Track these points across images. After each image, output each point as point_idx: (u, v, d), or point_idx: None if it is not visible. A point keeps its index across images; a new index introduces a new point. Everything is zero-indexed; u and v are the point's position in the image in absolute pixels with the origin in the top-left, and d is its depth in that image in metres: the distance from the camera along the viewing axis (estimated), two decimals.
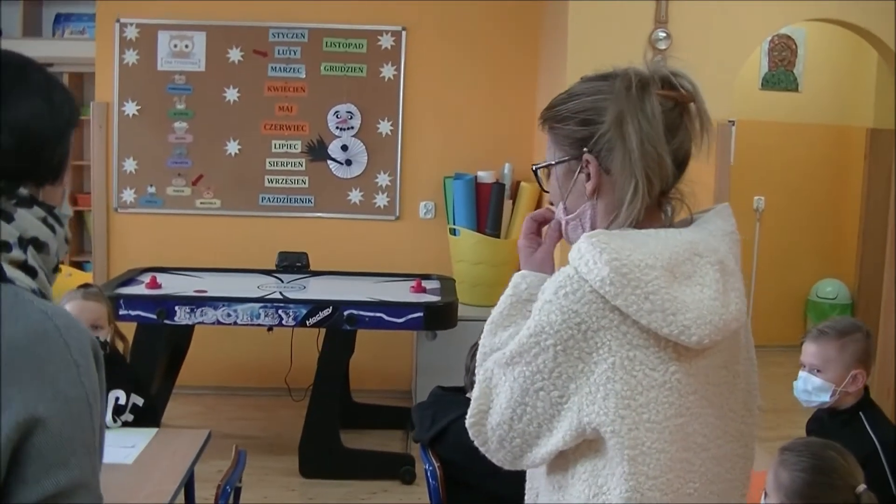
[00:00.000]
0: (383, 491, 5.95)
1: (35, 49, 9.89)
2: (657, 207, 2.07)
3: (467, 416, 2.06)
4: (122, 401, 4.18)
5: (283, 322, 5.91)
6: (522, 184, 7.26)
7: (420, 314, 5.91)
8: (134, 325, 5.97)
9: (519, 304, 2.12)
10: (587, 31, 6.29)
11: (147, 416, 4.22)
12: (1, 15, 10.09)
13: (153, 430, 4.11)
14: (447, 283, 6.68)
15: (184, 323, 5.91)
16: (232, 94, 7.69)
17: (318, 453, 6.09)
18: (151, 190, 7.75)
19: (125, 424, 4.16)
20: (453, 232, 7.33)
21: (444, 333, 6.49)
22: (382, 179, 7.73)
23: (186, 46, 7.66)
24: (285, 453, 6.28)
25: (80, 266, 9.31)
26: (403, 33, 7.64)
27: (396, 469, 6.09)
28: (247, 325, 5.93)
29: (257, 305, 5.89)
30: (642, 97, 1.99)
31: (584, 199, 2.07)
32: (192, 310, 5.86)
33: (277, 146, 7.69)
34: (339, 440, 6.12)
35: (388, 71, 7.66)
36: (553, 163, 2.12)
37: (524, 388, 1.95)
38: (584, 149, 2.03)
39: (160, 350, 6.23)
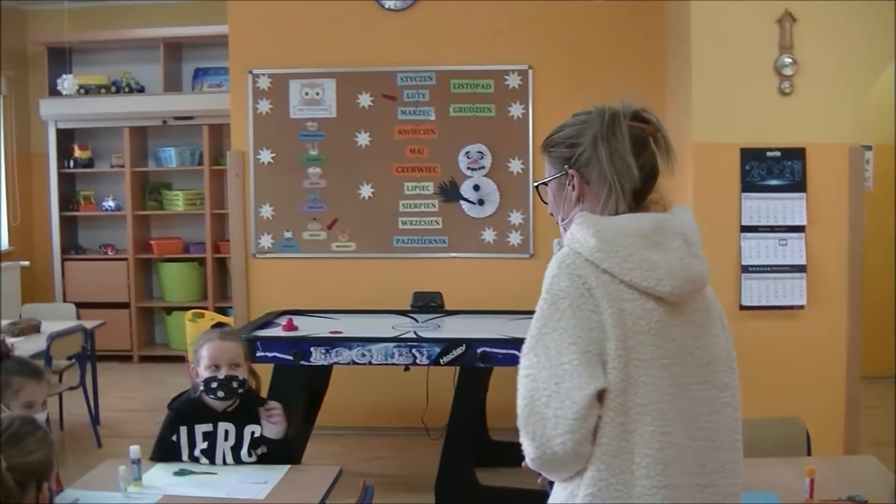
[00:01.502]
0: None
1: (176, 103, 10.27)
2: (637, 208, 2.58)
3: (518, 417, 2.43)
4: (258, 434, 4.29)
5: (417, 361, 5.97)
6: None
7: None
8: (271, 366, 6.10)
9: None
10: (712, 63, 6.26)
11: (281, 449, 4.31)
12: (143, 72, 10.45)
13: (285, 467, 4.20)
14: None
15: (319, 363, 6.01)
16: (363, 139, 7.83)
17: (455, 491, 6.12)
18: (288, 235, 7.93)
19: (261, 458, 4.27)
20: None
21: None
22: (515, 218, 7.78)
23: (317, 94, 7.83)
24: (422, 491, 6.33)
25: (223, 311, 9.57)
26: (530, 72, 7.71)
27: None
28: (381, 364, 6.00)
29: (391, 345, 5.96)
30: (613, 124, 2.56)
31: (571, 205, 2.62)
32: (327, 350, 5.96)
33: (410, 188, 7.80)
34: (475, 478, 6.15)
35: (516, 110, 7.72)
36: (547, 180, 2.70)
37: (559, 350, 2.37)
38: (566, 165, 2.62)
39: (297, 391, 6.35)
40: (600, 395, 2.34)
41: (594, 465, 2.36)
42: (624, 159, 2.52)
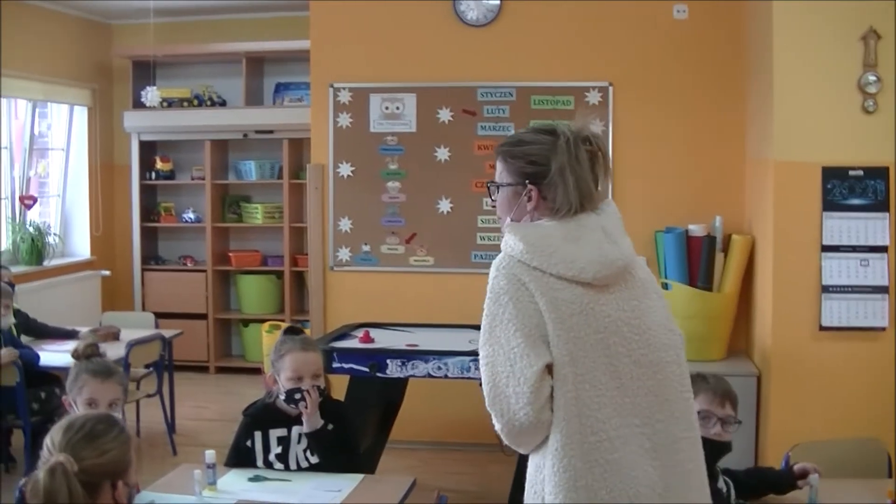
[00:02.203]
0: None
1: (257, 117, 10.37)
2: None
3: (486, 400, 2.87)
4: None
5: None
6: (734, 237, 7.14)
7: None
8: (347, 378, 6.11)
9: None
10: (794, 80, 6.19)
11: (333, 445, 4.38)
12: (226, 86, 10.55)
13: (359, 476, 4.20)
14: None
15: (395, 376, 6.00)
16: (443, 154, 7.84)
17: None
18: (366, 248, 7.95)
19: (326, 458, 4.30)
20: (665, 286, 7.26)
21: None
22: None
23: (397, 108, 7.86)
24: None
25: (300, 324, 9.58)
26: (610, 89, 7.67)
27: None
28: (457, 378, 5.98)
29: (468, 359, 5.93)
30: (577, 150, 2.98)
31: (525, 213, 3.04)
32: (403, 363, 5.95)
33: (488, 203, 7.77)
34: None
35: (595, 127, 7.65)
36: (504, 184, 3.09)
37: (507, 337, 2.84)
38: (527, 181, 3.01)
39: (373, 403, 6.35)
40: (550, 369, 2.82)
41: (554, 432, 2.81)
42: (587, 182, 2.98)
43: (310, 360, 4.41)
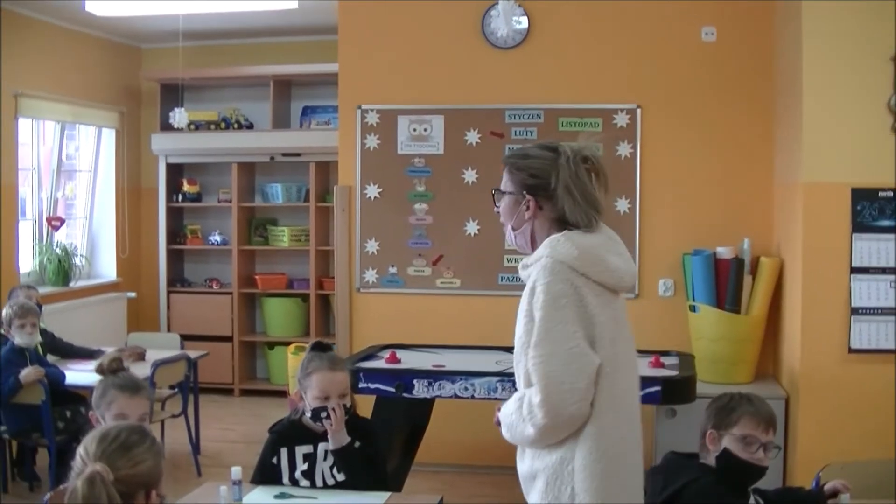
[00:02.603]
0: None
1: (284, 140, 10.39)
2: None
3: (536, 396, 3.14)
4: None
5: None
6: (762, 259, 7.10)
7: (658, 388, 5.81)
8: (373, 398, 6.08)
9: None
10: (823, 101, 6.18)
11: (373, 461, 4.34)
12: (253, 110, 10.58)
13: (386, 494, 4.18)
14: (686, 359, 6.54)
15: (421, 396, 5.97)
16: (470, 176, 7.83)
17: None
18: (392, 270, 7.94)
19: (350, 476, 4.27)
20: (693, 308, 7.23)
21: (683, 411, 6.39)
22: None
23: (425, 130, 7.86)
24: None
25: None
26: (638, 111, 7.65)
27: None
28: (484, 399, 5.94)
29: (495, 379, 5.89)
30: (577, 168, 3.31)
31: (524, 221, 3.40)
32: (430, 383, 5.92)
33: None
34: None
35: (623, 149, 7.67)
36: (507, 192, 3.42)
37: (566, 337, 3.14)
38: (525, 193, 3.36)
39: (399, 424, 6.31)
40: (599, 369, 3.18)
41: (591, 423, 3.17)
42: (592, 194, 3.33)
43: (337, 379, 4.39)
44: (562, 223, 3.32)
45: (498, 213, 3.48)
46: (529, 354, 3.18)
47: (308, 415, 4.35)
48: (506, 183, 3.43)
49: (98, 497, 2.48)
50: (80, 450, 2.63)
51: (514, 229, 3.44)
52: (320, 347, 4.56)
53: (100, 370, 4.19)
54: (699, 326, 7.19)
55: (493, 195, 3.49)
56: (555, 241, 3.25)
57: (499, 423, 3.39)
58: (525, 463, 3.36)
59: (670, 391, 5.85)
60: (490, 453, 7.60)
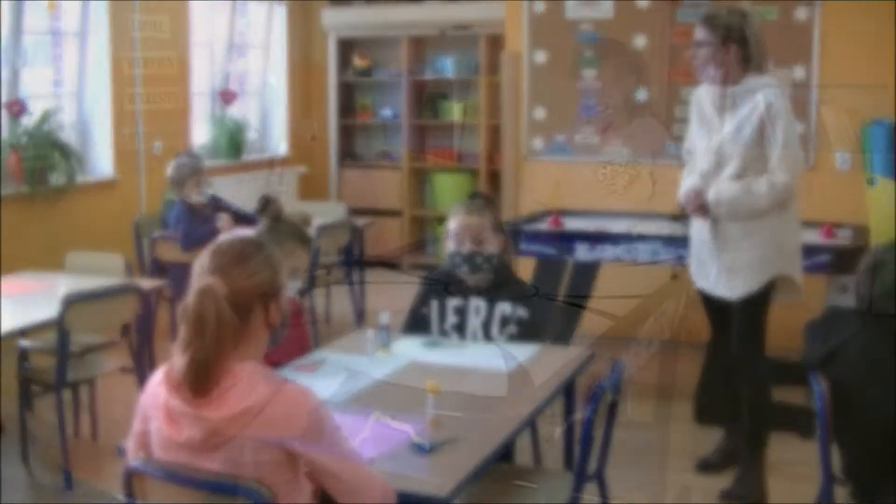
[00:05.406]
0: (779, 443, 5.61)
1: (454, 12, 10.20)
2: None
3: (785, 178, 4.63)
4: (507, 313, 4.15)
5: (684, 261, 5.69)
6: None
7: (828, 256, 5.57)
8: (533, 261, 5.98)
9: None
10: None
11: (531, 330, 4.16)
12: None
13: (537, 346, 4.06)
14: (860, 231, 6.25)
15: (582, 258, 5.83)
16: (640, 41, 7.57)
17: (714, 401, 5.83)
18: (560, 138, 7.77)
19: (511, 337, 4.13)
20: (870, 181, 6.89)
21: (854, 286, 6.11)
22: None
23: None
24: (680, 400, 6.09)
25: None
26: None
27: (794, 421, 5.72)
28: (646, 263, 5.77)
29: (659, 243, 5.73)
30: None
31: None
32: (591, 246, 5.80)
33: (685, 94, 7.48)
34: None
35: (801, 13, 7.29)
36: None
37: (796, 135, 4.85)
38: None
39: (559, 289, 6.19)
40: None
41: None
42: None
43: (470, 223, 4.22)
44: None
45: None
46: (778, 151, 4.61)
47: (446, 260, 4.27)
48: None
49: (208, 310, 2.47)
50: (196, 265, 2.60)
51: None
52: (476, 196, 4.45)
53: (263, 205, 4.18)
54: (877, 200, 6.85)
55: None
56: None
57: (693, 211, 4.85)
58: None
59: (840, 260, 5.60)
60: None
